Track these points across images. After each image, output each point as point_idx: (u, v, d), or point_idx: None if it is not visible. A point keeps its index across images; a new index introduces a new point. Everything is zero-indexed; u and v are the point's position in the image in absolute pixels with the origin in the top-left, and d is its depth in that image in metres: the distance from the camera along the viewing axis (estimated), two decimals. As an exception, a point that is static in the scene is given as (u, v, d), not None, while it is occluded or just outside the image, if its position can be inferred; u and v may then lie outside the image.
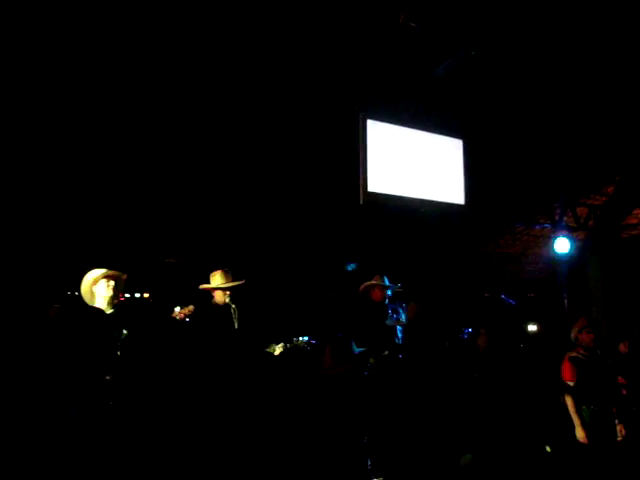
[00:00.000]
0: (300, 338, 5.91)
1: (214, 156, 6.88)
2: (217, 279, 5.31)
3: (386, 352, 5.32)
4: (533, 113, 7.20)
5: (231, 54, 5.23)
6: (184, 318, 4.88)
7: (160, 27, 4.81)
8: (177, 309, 4.91)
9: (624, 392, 5.78)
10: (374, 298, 5.83)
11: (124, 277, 4.70)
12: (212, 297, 5.35)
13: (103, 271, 4.55)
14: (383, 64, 5.61)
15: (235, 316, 5.18)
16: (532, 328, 13.71)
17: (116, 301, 4.62)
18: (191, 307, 4.95)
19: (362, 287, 5.97)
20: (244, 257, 8.22)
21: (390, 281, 5.92)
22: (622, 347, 6.81)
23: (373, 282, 5.88)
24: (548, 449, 5.25)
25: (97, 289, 4.54)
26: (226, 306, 5.25)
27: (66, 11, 4.51)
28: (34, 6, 4.42)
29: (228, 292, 5.27)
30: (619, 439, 5.06)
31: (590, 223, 9.96)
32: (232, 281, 5.33)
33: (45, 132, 6.03)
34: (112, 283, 4.54)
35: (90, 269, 4.64)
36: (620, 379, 5.83)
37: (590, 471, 4.87)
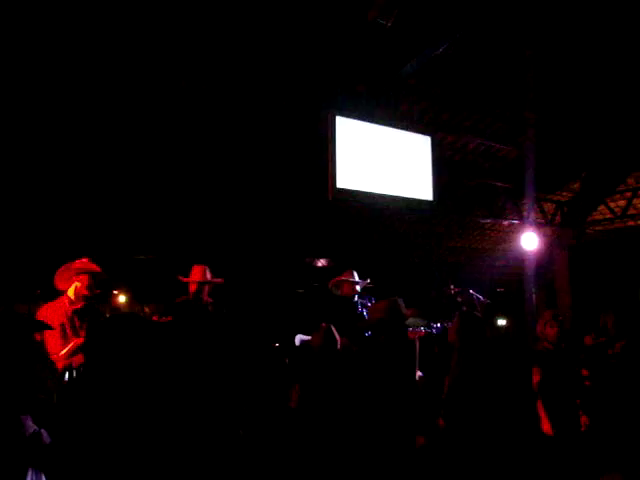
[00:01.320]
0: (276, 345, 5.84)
1: (184, 154, 6.84)
2: (196, 273, 5.31)
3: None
4: (501, 109, 7.30)
5: (202, 52, 5.21)
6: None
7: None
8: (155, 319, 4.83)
9: (587, 384, 5.89)
10: (343, 293, 5.88)
11: (103, 277, 4.67)
12: (187, 291, 5.34)
13: (91, 268, 4.54)
14: (353, 61, 5.64)
15: (211, 313, 5.17)
16: (502, 322, 13.91)
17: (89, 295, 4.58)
18: (170, 318, 4.86)
19: (332, 282, 6.01)
20: (215, 254, 8.19)
21: (360, 276, 5.96)
22: (587, 340, 6.94)
23: (342, 277, 5.92)
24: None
25: (77, 280, 4.50)
26: (205, 302, 5.25)
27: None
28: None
29: (204, 287, 5.27)
30: (582, 429, 5.17)
31: (557, 219, 10.13)
32: (211, 277, 5.33)
33: (25, 131, 5.95)
34: (92, 281, 4.52)
35: (59, 266, 4.61)
36: (584, 371, 5.94)
37: (554, 462, 4.96)
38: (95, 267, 4.57)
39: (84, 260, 4.59)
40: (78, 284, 4.48)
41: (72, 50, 4.91)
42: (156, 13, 4.71)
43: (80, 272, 4.50)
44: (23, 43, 4.71)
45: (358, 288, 5.82)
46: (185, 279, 5.31)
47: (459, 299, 7.80)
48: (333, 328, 4.22)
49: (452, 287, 7.99)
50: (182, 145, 6.66)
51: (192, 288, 5.27)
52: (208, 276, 5.30)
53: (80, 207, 7.64)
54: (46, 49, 4.83)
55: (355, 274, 5.86)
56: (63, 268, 4.55)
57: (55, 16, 4.51)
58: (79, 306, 4.47)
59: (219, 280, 5.39)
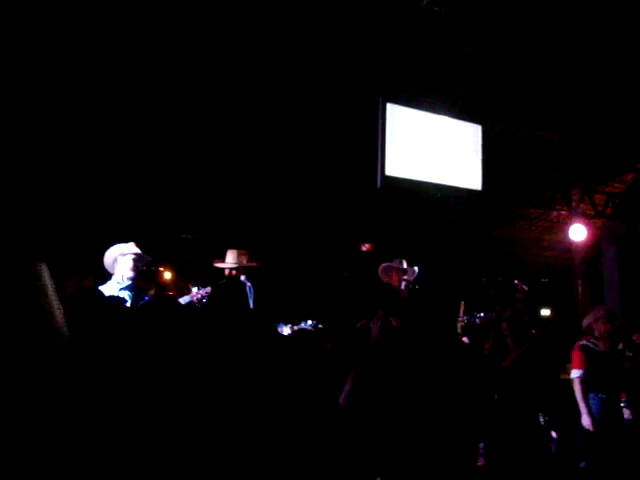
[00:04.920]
0: (309, 322, 5.90)
1: (233, 136, 6.92)
2: (228, 258, 5.47)
3: None
4: (552, 100, 7.17)
5: (255, 36, 5.25)
6: (201, 299, 4.99)
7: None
8: (194, 289, 5.00)
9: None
10: (391, 280, 5.90)
11: (146, 260, 4.96)
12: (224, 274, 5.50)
13: (134, 250, 4.80)
14: (404, 48, 5.60)
15: (251, 295, 5.28)
16: (545, 313, 13.78)
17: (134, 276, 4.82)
18: (208, 289, 5.04)
19: (381, 268, 6.02)
20: (260, 235, 8.30)
21: (408, 264, 5.96)
22: (636, 337, 6.86)
23: (391, 264, 5.93)
24: (554, 434, 5.32)
25: (122, 261, 4.78)
26: (241, 284, 5.36)
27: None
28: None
29: (238, 271, 5.40)
30: (628, 418, 5.14)
31: (607, 211, 9.91)
32: (246, 261, 5.46)
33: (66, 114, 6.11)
34: (138, 264, 4.78)
35: (108, 244, 4.87)
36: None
37: (596, 457, 4.94)
38: (137, 251, 4.83)
39: (130, 244, 4.86)
40: (123, 266, 4.76)
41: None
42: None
43: (123, 255, 4.78)
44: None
45: (407, 277, 5.83)
46: (219, 263, 5.49)
47: (491, 291, 7.75)
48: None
49: (484, 280, 7.96)
50: (234, 127, 6.74)
51: (226, 271, 5.47)
52: (243, 260, 5.44)
53: (129, 187, 7.82)
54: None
55: (405, 263, 5.86)
56: (109, 251, 4.85)
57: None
58: (125, 286, 4.74)
59: (254, 264, 5.52)
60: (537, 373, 4.76)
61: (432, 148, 5.84)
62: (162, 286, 12.59)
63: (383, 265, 5.98)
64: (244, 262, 5.44)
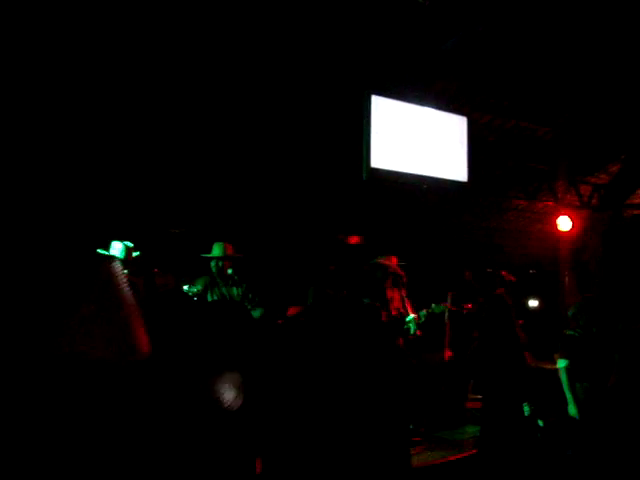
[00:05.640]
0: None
1: (219, 129, 6.89)
2: (215, 250, 5.47)
3: None
4: (538, 91, 7.19)
5: (239, 28, 5.23)
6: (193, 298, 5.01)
7: None
8: (185, 287, 5.00)
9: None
10: (379, 277, 5.87)
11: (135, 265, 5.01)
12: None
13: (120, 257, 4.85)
14: (389, 39, 5.60)
15: (237, 288, 5.30)
16: (533, 304, 13.84)
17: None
18: (199, 287, 5.08)
19: (368, 264, 5.99)
20: (248, 228, 8.28)
21: (399, 259, 5.93)
22: (621, 326, 6.90)
23: (379, 262, 5.90)
24: (540, 423, 5.36)
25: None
26: (227, 277, 5.39)
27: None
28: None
29: (224, 263, 5.42)
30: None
31: (593, 201, 9.97)
32: (232, 253, 5.48)
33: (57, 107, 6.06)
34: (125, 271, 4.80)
35: (97, 238, 4.89)
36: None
37: (582, 445, 4.98)
38: (128, 256, 4.90)
39: (118, 246, 4.95)
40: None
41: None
42: None
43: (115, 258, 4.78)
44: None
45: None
46: (206, 256, 5.52)
47: (474, 283, 7.81)
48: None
49: (467, 272, 8.02)
50: (220, 120, 6.71)
51: (213, 265, 5.49)
52: (228, 252, 5.47)
53: (117, 182, 7.77)
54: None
55: (393, 259, 5.84)
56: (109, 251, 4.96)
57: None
58: None
59: (239, 255, 5.55)
60: (497, 362, 4.78)
61: (418, 140, 5.85)
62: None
63: (370, 262, 5.96)
64: (229, 254, 5.47)
